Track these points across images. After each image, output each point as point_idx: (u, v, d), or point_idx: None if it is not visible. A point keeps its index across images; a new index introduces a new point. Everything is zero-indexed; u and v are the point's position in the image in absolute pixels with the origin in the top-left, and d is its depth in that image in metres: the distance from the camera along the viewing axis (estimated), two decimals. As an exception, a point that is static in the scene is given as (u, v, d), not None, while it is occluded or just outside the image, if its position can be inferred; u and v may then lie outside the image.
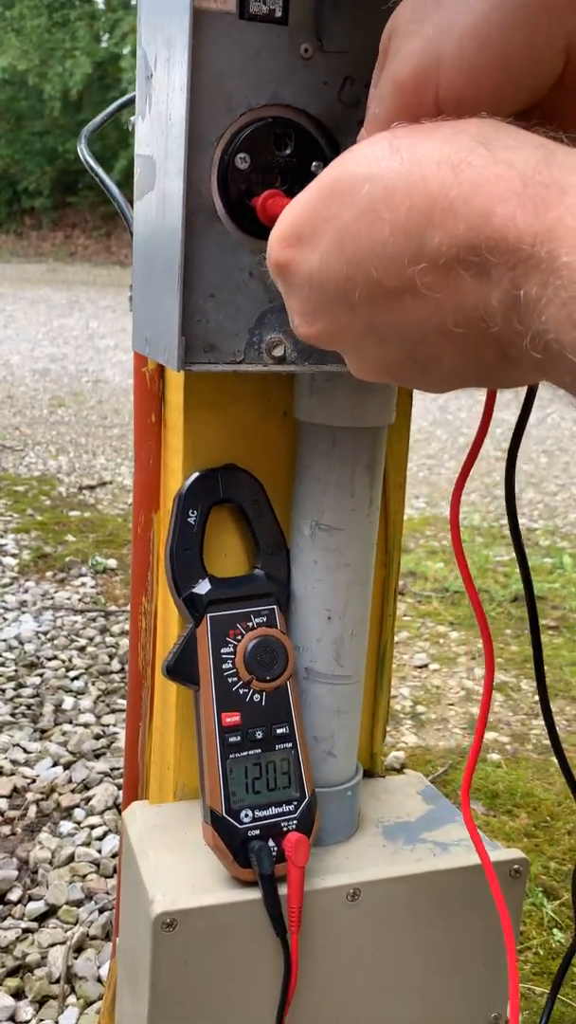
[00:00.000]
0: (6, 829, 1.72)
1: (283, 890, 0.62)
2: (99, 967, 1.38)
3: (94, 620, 2.65)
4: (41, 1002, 1.33)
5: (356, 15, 0.52)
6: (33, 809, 1.77)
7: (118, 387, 6.27)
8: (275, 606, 0.66)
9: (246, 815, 0.62)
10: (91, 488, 4.01)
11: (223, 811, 0.62)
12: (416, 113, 0.39)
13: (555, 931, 1.50)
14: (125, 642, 2.49)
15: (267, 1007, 0.64)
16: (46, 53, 17.47)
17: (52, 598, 2.79)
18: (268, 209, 0.52)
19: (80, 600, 2.79)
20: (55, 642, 2.50)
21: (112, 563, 3.08)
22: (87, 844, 1.67)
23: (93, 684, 2.27)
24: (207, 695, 0.63)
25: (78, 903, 1.52)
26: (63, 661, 2.39)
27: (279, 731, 0.64)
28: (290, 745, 0.64)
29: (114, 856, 1.64)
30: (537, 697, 2.29)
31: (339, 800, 0.69)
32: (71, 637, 2.53)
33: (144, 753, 0.77)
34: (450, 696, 2.33)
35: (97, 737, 2.03)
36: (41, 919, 1.49)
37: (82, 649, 2.47)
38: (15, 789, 1.83)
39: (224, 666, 0.63)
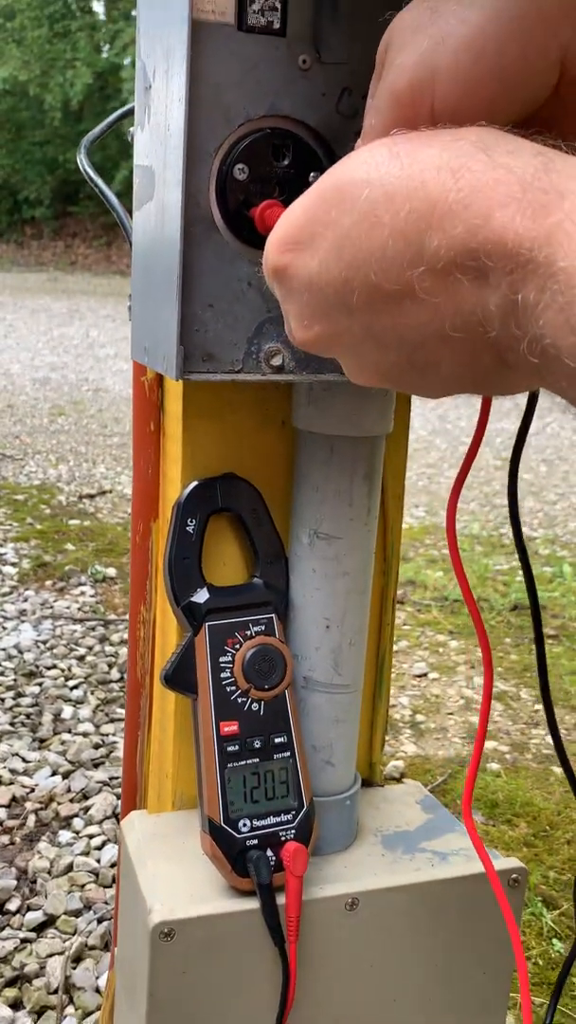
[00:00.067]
0: (5, 839, 1.71)
1: (281, 900, 0.62)
2: (98, 977, 1.38)
3: (93, 629, 2.65)
4: (39, 1012, 1.32)
5: (354, 27, 0.53)
6: (32, 819, 1.77)
7: (118, 396, 6.28)
8: (273, 615, 0.66)
9: (244, 824, 0.62)
10: (91, 497, 4.01)
11: (221, 820, 0.62)
12: (412, 124, 0.39)
13: (555, 941, 1.49)
14: (124, 651, 2.49)
15: (266, 1017, 0.63)
16: (47, 64, 17.53)
17: (51, 607, 2.79)
18: (266, 219, 0.52)
19: (79, 609, 2.79)
20: (54, 651, 2.50)
21: (112, 572, 3.07)
22: (86, 854, 1.67)
23: (92, 693, 2.27)
24: (205, 704, 0.63)
25: (77, 913, 1.52)
26: (62, 670, 2.39)
27: (277, 740, 0.64)
28: (288, 754, 0.64)
29: (113, 866, 1.63)
30: (537, 706, 2.28)
31: (338, 809, 0.69)
32: (70, 646, 2.53)
33: (143, 762, 0.77)
34: (449, 705, 2.33)
35: (96, 746, 2.03)
36: (39, 929, 1.48)
37: (81, 658, 2.47)
38: (14, 798, 1.83)
39: (222, 675, 0.63)
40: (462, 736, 2.17)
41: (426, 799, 0.79)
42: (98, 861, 1.65)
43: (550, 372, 0.32)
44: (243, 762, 0.63)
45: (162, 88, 0.54)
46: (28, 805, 1.81)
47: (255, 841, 0.62)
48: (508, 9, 0.37)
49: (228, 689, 0.63)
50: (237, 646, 0.64)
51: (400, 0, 0.42)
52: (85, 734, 2.08)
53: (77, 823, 1.76)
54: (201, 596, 0.64)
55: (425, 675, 2.49)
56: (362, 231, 0.36)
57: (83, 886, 1.58)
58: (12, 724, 2.11)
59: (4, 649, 2.48)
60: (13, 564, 3.12)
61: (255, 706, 0.64)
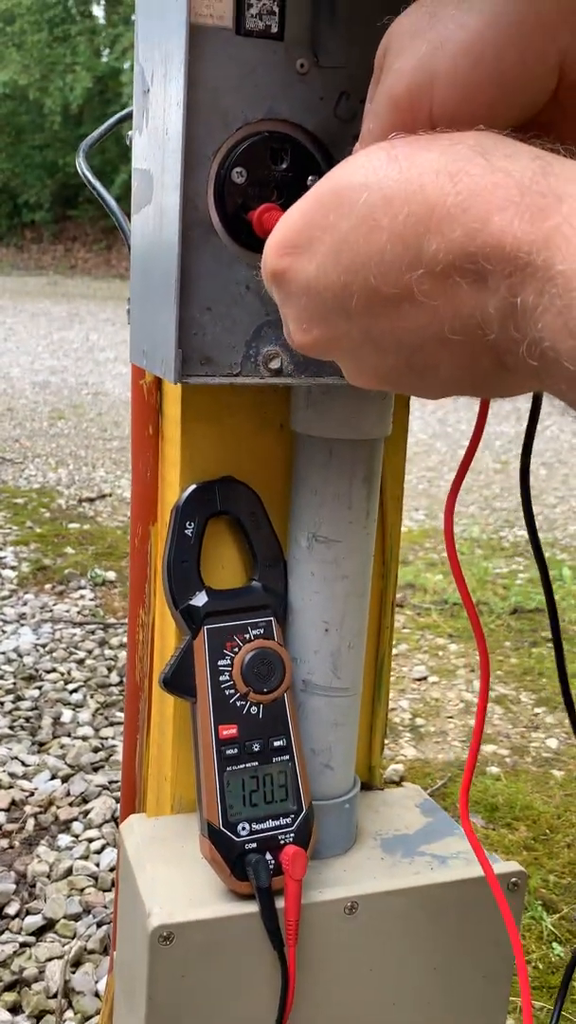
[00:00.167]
0: (4, 842, 1.71)
1: (280, 903, 0.62)
2: (97, 981, 1.38)
3: (93, 632, 2.65)
4: (38, 1017, 1.32)
5: (352, 31, 0.53)
6: (31, 822, 1.77)
7: (118, 399, 6.28)
8: (272, 618, 0.66)
9: (243, 828, 0.62)
10: (90, 500, 4.01)
11: (220, 824, 0.62)
12: (411, 128, 0.39)
13: (554, 945, 1.49)
14: (124, 654, 2.48)
15: (265, 1021, 0.63)
16: (47, 68, 17.56)
17: (51, 610, 2.79)
18: (264, 223, 0.52)
19: (79, 612, 2.79)
20: (54, 655, 2.49)
21: (111, 575, 3.07)
22: (85, 857, 1.67)
23: (92, 697, 2.27)
24: (204, 707, 0.63)
25: (76, 917, 1.52)
26: (62, 674, 2.38)
27: (276, 744, 0.64)
28: (287, 758, 0.64)
29: (112, 870, 1.63)
30: (537, 709, 2.28)
31: (337, 813, 0.69)
32: (70, 650, 2.53)
33: (142, 766, 0.77)
34: (449, 709, 2.33)
35: (96, 750, 2.03)
36: (39, 933, 1.48)
37: (81, 662, 2.47)
38: (13, 802, 1.83)
39: (221, 678, 0.63)
40: (462, 740, 2.17)
41: (425, 803, 0.79)
42: (97, 865, 1.65)
43: (549, 375, 0.32)
44: (242, 765, 0.63)
45: (160, 92, 0.54)
46: (27, 809, 1.81)
47: (254, 845, 0.62)
48: (506, 14, 0.37)
49: (227, 692, 0.63)
50: (236, 649, 0.64)
51: (398, 5, 0.42)
52: (84, 738, 2.08)
53: (76, 827, 1.76)
54: (200, 599, 0.64)
55: (425, 679, 2.49)
56: (360, 235, 0.36)
57: (82, 890, 1.58)
58: (11, 728, 2.11)
59: (3, 653, 2.48)
60: (13, 568, 3.12)
61: (254, 709, 0.64)
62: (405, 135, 0.38)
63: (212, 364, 0.55)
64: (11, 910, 1.53)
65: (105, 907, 1.54)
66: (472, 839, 0.65)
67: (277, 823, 0.63)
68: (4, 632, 2.61)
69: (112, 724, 2.15)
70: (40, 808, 1.81)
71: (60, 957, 1.42)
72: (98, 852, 1.69)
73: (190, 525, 0.65)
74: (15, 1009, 1.34)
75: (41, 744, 2.05)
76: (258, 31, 0.52)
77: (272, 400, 0.67)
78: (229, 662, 0.63)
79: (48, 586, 2.99)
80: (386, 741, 2.14)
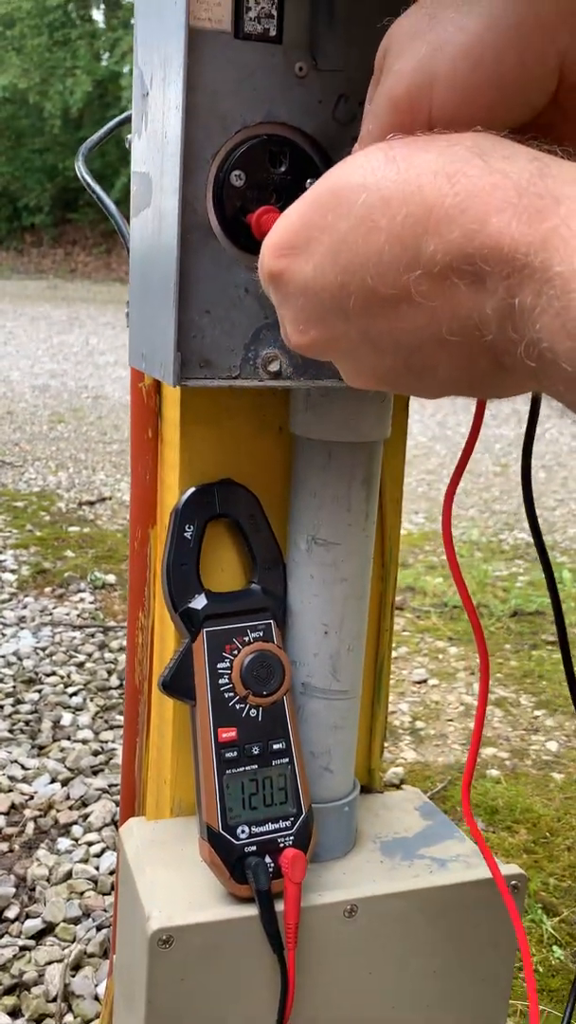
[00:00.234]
0: (3, 846, 1.71)
1: (280, 906, 0.62)
2: (97, 985, 1.38)
3: (93, 636, 2.65)
4: (38, 1021, 1.32)
5: (350, 33, 0.53)
6: (31, 826, 1.76)
7: (118, 403, 6.28)
8: (271, 621, 0.66)
9: (243, 831, 0.62)
10: (90, 504, 4.01)
11: (219, 827, 0.62)
12: (410, 130, 0.39)
13: (555, 948, 1.49)
14: (124, 658, 2.48)
15: (264, 1025, 0.63)
16: (47, 72, 17.58)
17: (51, 614, 2.79)
18: (263, 225, 0.52)
19: (79, 616, 2.78)
20: (54, 658, 2.49)
21: (111, 579, 3.07)
22: (85, 861, 1.67)
23: (91, 700, 2.27)
24: (203, 710, 0.63)
25: (76, 920, 1.52)
26: (61, 677, 2.38)
27: (276, 746, 0.64)
28: (287, 760, 0.64)
29: (112, 873, 1.63)
30: (537, 712, 2.27)
31: (336, 816, 0.69)
32: (70, 653, 2.53)
33: (141, 769, 0.77)
34: (449, 712, 2.33)
35: (95, 753, 2.03)
36: (38, 937, 1.48)
37: (81, 665, 2.47)
38: (13, 806, 1.82)
39: (220, 681, 0.63)
40: (462, 743, 2.17)
41: (425, 805, 0.79)
42: (97, 868, 1.65)
43: (547, 376, 0.32)
44: (241, 768, 0.63)
45: (159, 95, 0.54)
46: (27, 812, 1.81)
47: (253, 848, 0.62)
48: (506, 17, 0.37)
49: (226, 695, 0.63)
50: (235, 652, 0.64)
51: (397, 7, 0.42)
52: (84, 741, 2.08)
53: (76, 830, 1.76)
54: (199, 602, 0.64)
55: (425, 681, 2.49)
56: (358, 236, 0.36)
57: (82, 893, 1.58)
58: (11, 731, 2.11)
59: (3, 656, 2.48)
60: (13, 571, 3.12)
61: (253, 712, 0.64)
62: (403, 136, 0.38)
63: (211, 367, 0.55)
64: (11, 913, 1.53)
65: (105, 911, 1.53)
66: (478, 838, 0.65)
67: (276, 826, 0.63)
68: (4, 635, 2.61)
69: (112, 727, 2.15)
70: (40, 811, 1.81)
71: (60, 961, 1.42)
72: (98, 856, 1.69)
73: (189, 528, 0.65)
74: (15, 1013, 1.33)
75: (41, 747, 2.05)
76: (256, 34, 0.52)
77: (271, 403, 0.67)
78: (228, 665, 0.63)
79: (48, 589, 2.99)
80: (386, 744, 2.14)
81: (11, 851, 1.70)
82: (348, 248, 0.36)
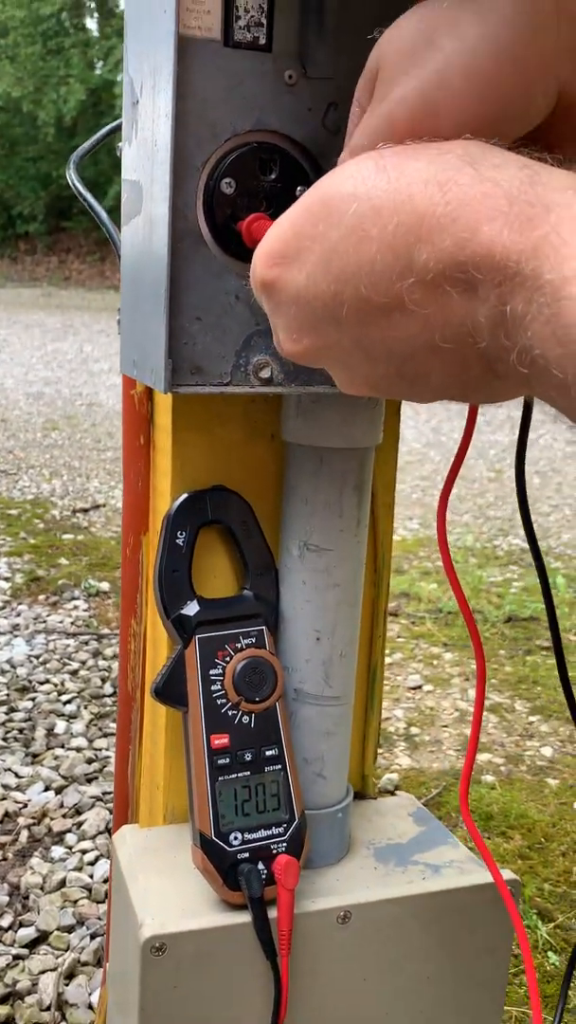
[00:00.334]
0: (-3, 855, 1.70)
1: (273, 913, 0.62)
2: (90, 994, 1.37)
3: (87, 643, 2.64)
4: (32, 1030, 1.31)
5: (339, 41, 0.53)
6: (25, 834, 1.76)
7: (111, 410, 6.28)
8: (264, 627, 0.66)
9: (235, 838, 0.62)
10: (84, 511, 4.01)
11: (212, 834, 0.62)
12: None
13: (550, 954, 1.49)
14: (117, 665, 2.48)
15: (257, 1032, 0.63)
16: (40, 80, 17.62)
17: (44, 621, 2.78)
18: (253, 232, 0.52)
19: (73, 623, 2.78)
20: (47, 666, 2.49)
21: (105, 586, 3.07)
22: (79, 869, 1.66)
23: (85, 708, 2.26)
24: (196, 717, 0.63)
25: (69, 929, 1.51)
26: (55, 685, 2.38)
27: (268, 753, 0.64)
28: (279, 767, 0.64)
29: (106, 881, 1.62)
30: (531, 718, 2.27)
31: (329, 822, 0.69)
32: (63, 660, 2.52)
33: (134, 776, 0.77)
34: (444, 718, 2.32)
35: (89, 761, 2.02)
36: (32, 945, 1.48)
37: (74, 672, 2.46)
38: (7, 814, 1.82)
39: (213, 688, 0.63)
40: (457, 748, 2.17)
41: (418, 811, 0.79)
42: (91, 876, 1.64)
43: (539, 382, 0.33)
44: (234, 775, 0.63)
45: (149, 103, 0.54)
46: (21, 820, 1.80)
47: (246, 854, 0.62)
48: (512, 48, 0.37)
49: (219, 702, 0.63)
50: (227, 658, 0.64)
51: (386, 16, 0.42)
52: (78, 749, 2.07)
53: (70, 838, 1.75)
54: (191, 608, 0.64)
55: (419, 687, 2.49)
56: (350, 244, 0.36)
57: (76, 902, 1.57)
58: (5, 739, 2.10)
59: (-3, 664, 2.47)
60: (6, 579, 3.11)
61: (246, 719, 0.64)
62: (393, 144, 0.38)
63: (202, 374, 0.55)
64: (4, 922, 1.52)
65: (99, 919, 1.53)
66: (477, 839, 0.65)
67: (269, 833, 0.63)
68: (-2, 643, 2.60)
69: (106, 735, 2.14)
70: (33, 820, 1.80)
71: (53, 969, 1.41)
72: (92, 864, 1.68)
73: (181, 534, 0.65)
74: (8, 1022, 1.33)
75: (35, 755, 2.04)
76: (246, 43, 0.52)
77: (262, 410, 0.67)
78: (221, 671, 0.63)
79: (42, 597, 2.98)
80: (381, 750, 2.14)
81: (5, 859, 1.69)
82: (340, 257, 0.37)
